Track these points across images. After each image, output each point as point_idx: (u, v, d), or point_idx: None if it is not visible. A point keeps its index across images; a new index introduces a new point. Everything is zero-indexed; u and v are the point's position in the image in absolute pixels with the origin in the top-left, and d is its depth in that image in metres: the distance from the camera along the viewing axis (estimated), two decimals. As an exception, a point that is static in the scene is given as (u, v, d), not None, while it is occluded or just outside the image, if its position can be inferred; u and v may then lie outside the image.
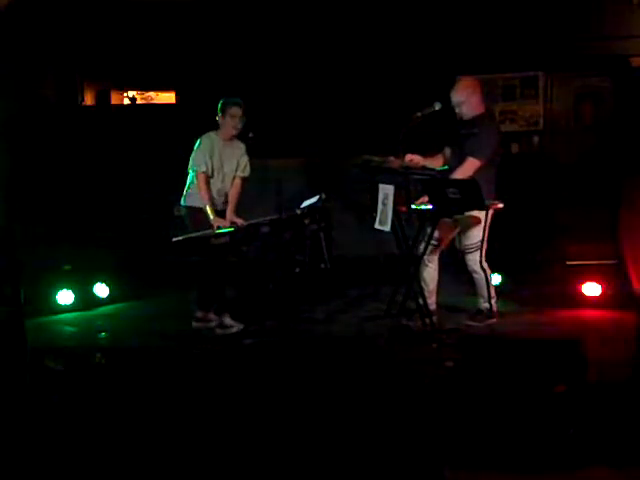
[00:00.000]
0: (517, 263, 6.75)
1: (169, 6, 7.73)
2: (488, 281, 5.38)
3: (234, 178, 5.62)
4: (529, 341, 4.22)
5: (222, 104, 5.50)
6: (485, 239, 5.25)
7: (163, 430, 3.67)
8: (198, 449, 3.52)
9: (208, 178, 5.46)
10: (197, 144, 5.50)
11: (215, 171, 5.50)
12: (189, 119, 7.22)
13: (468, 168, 5.13)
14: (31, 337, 4.89)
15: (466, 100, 5.26)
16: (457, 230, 5.39)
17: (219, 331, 5.54)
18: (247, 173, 5.66)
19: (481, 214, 5.13)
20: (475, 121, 5.27)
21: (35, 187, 7.28)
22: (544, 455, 3.32)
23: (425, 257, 5.36)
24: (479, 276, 5.37)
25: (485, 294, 5.42)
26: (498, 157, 5.30)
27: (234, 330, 5.50)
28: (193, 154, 5.48)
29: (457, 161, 5.26)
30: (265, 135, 5.65)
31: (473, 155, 5.15)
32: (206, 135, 5.53)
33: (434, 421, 3.60)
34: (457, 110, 5.29)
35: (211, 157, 5.46)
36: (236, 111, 5.46)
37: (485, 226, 5.17)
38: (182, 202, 5.61)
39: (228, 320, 5.54)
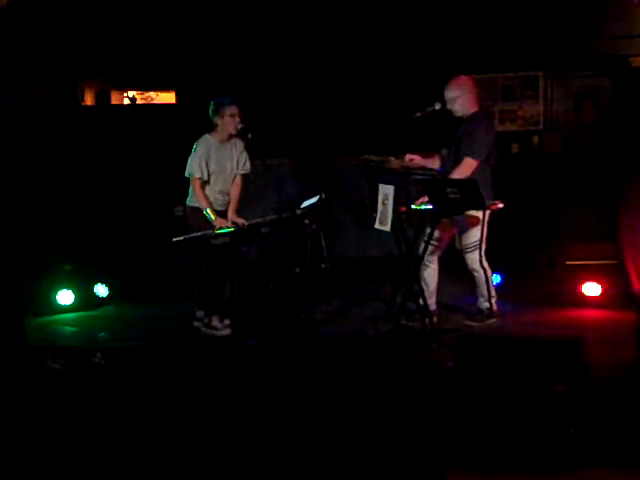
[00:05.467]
0: (517, 263, 6.75)
1: (169, 6, 7.73)
2: (488, 280, 5.38)
3: (235, 176, 5.61)
4: (529, 341, 4.22)
5: (216, 105, 5.43)
6: (484, 238, 5.26)
7: (163, 431, 3.67)
8: (198, 449, 3.52)
9: (204, 183, 5.45)
10: (194, 149, 5.48)
11: (213, 174, 5.47)
12: (189, 119, 7.22)
13: (465, 168, 5.13)
14: (31, 337, 4.90)
15: (458, 97, 5.26)
16: (455, 230, 5.41)
17: (204, 330, 5.53)
18: (247, 169, 5.63)
19: (479, 213, 5.14)
20: (469, 120, 5.28)
21: (35, 187, 7.27)
22: (544, 455, 3.32)
23: (425, 257, 5.36)
24: (479, 275, 5.37)
25: (485, 293, 5.42)
26: (493, 157, 5.30)
27: (219, 333, 5.49)
28: (189, 159, 5.46)
29: (453, 161, 5.27)
30: (265, 135, 5.65)
31: (469, 155, 5.16)
32: (202, 139, 5.47)
33: (434, 421, 3.60)
34: (449, 107, 5.29)
35: (207, 162, 5.42)
36: (234, 110, 5.41)
37: (483, 225, 5.17)
38: (187, 202, 5.61)
39: (216, 322, 5.53)
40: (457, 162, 5.21)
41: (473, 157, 5.14)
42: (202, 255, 5.46)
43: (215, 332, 5.50)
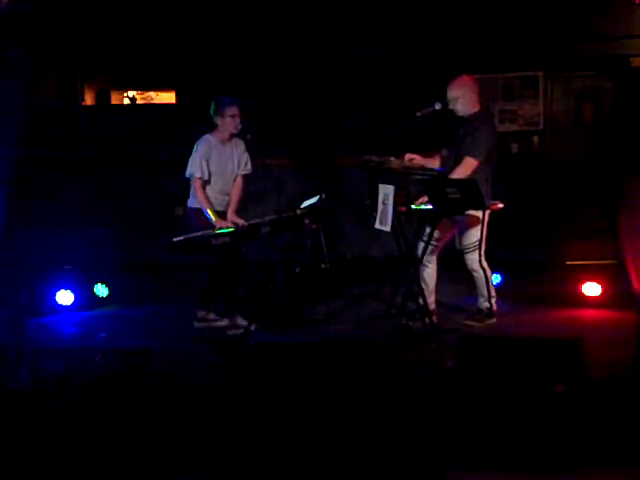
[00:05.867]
0: (517, 263, 6.75)
1: (169, 6, 7.73)
2: (488, 280, 5.38)
3: (236, 176, 5.62)
4: (529, 341, 4.22)
5: (217, 105, 5.44)
6: (484, 238, 5.27)
7: (163, 431, 3.67)
8: (198, 449, 3.53)
9: (204, 183, 5.46)
10: (194, 149, 5.48)
11: (214, 174, 5.49)
12: (189, 119, 7.22)
13: (466, 167, 5.14)
14: (31, 337, 4.91)
15: (461, 97, 5.27)
16: (455, 230, 5.41)
17: (232, 332, 5.47)
18: (248, 170, 5.65)
19: (479, 213, 5.14)
20: (471, 120, 5.28)
21: (35, 187, 7.27)
22: (544, 455, 3.32)
23: (425, 257, 5.37)
24: (479, 275, 5.38)
25: (485, 293, 5.43)
26: (494, 156, 5.30)
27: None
28: (190, 159, 5.47)
29: (454, 161, 5.27)
30: (265, 135, 5.65)
31: (469, 154, 5.16)
32: (202, 139, 5.49)
33: (434, 421, 3.61)
34: (451, 106, 5.30)
35: (207, 161, 5.43)
36: (235, 110, 5.43)
37: (483, 225, 5.18)
38: (188, 203, 5.60)
39: (240, 320, 5.52)
40: (457, 162, 5.21)
41: (474, 157, 5.15)
42: (202, 255, 5.46)
43: (240, 331, 5.43)
